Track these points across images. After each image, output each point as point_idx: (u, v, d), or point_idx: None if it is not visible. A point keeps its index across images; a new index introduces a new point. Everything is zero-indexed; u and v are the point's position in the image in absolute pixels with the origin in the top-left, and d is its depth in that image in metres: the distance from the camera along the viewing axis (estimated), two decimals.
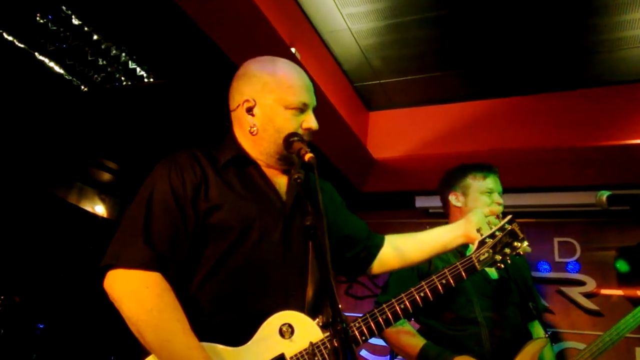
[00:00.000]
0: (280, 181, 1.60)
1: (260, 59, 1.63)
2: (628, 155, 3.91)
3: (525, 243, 1.63)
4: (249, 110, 1.57)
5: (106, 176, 5.23)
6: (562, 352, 4.21)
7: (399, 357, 4.15)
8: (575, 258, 4.50)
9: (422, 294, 1.52)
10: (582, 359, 2.35)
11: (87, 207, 5.24)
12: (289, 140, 1.49)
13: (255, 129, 1.55)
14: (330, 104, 3.76)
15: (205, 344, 1.29)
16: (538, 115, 4.13)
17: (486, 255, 1.58)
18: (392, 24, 3.45)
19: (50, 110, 4.09)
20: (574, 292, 4.39)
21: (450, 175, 2.55)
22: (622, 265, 4.31)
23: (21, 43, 3.26)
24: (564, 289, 4.44)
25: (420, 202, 4.94)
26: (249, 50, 2.96)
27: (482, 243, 1.61)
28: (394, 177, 4.70)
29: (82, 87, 3.76)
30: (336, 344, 1.05)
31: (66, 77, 3.63)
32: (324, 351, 1.34)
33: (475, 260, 1.57)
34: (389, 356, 4.42)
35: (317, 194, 1.30)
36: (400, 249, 1.77)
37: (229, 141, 1.61)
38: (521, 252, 1.64)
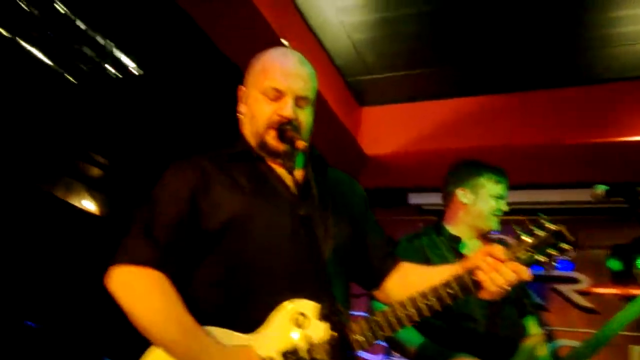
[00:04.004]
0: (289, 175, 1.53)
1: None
2: (621, 153, 3.90)
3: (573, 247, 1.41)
4: (243, 100, 1.58)
5: (95, 171, 5.15)
6: (556, 349, 4.18)
7: (395, 354, 4.16)
8: (568, 256, 4.48)
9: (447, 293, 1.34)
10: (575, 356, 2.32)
11: (75, 202, 5.16)
12: (282, 128, 1.44)
13: (241, 115, 1.58)
14: (322, 98, 3.71)
15: (216, 329, 1.30)
16: (530, 112, 4.11)
17: (525, 256, 1.37)
18: (384, 17, 3.42)
19: (38, 101, 4.02)
20: (569, 290, 4.38)
21: (462, 170, 2.43)
22: (614, 264, 4.29)
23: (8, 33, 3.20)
24: (558, 286, 4.42)
25: (414, 199, 4.91)
26: (238, 40, 2.93)
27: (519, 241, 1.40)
28: (387, 174, 4.67)
29: (71, 78, 3.70)
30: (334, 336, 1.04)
31: (54, 68, 3.57)
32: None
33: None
34: (381, 355, 4.38)
35: (321, 184, 1.28)
36: (408, 286, 1.52)
37: (239, 137, 1.59)
38: (568, 256, 1.47)
